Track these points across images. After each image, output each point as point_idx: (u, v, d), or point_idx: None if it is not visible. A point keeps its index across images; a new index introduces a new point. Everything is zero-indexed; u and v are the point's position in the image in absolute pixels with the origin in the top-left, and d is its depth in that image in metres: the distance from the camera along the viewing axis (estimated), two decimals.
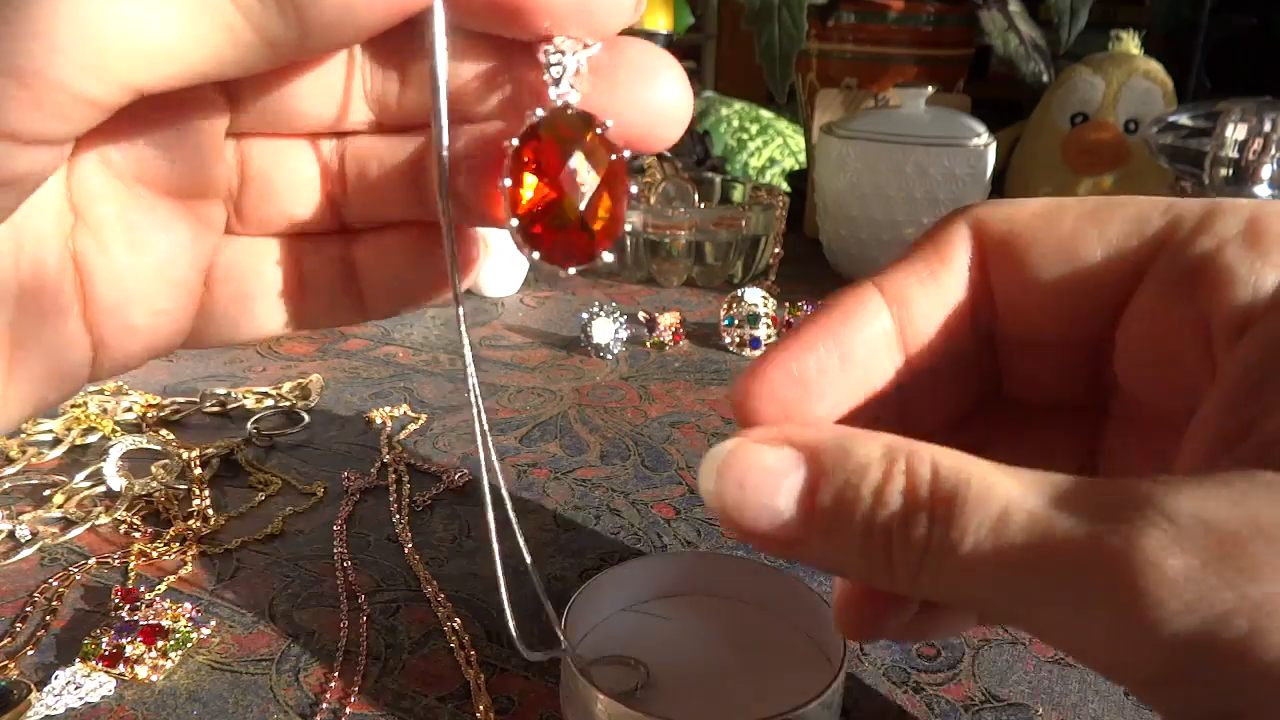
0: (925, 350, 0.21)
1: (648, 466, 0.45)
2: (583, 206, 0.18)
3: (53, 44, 0.14)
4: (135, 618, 0.31)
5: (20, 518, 0.38)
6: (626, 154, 0.18)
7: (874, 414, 0.20)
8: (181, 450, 0.44)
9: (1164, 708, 0.15)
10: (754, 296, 0.61)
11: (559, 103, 0.17)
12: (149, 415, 0.48)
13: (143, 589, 0.34)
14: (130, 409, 0.48)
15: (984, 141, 0.70)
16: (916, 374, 0.21)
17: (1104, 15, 0.91)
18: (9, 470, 0.42)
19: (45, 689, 0.29)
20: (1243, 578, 0.13)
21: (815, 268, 0.77)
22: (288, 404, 0.50)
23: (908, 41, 0.84)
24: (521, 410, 0.51)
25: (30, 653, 0.31)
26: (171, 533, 0.38)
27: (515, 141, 0.17)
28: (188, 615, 0.32)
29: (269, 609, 0.34)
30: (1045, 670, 0.31)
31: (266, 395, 0.50)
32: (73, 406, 0.47)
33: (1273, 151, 0.59)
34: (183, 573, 0.35)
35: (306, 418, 0.49)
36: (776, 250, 0.72)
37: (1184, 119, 0.66)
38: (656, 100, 0.18)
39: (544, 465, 0.45)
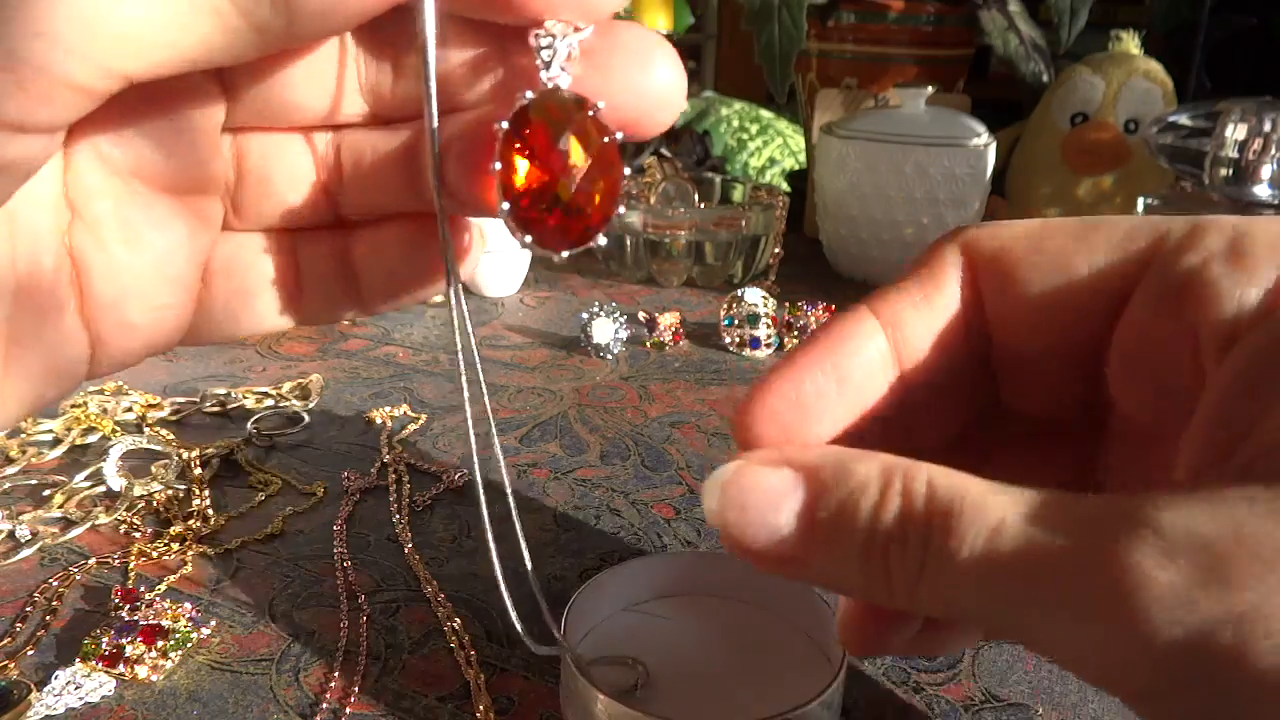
0: (921, 371, 0.21)
1: (648, 466, 0.45)
2: (574, 189, 0.17)
3: (37, 28, 0.14)
4: (135, 618, 0.31)
5: (20, 518, 0.38)
6: (619, 136, 0.18)
7: (872, 434, 0.21)
8: (181, 450, 0.44)
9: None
10: (754, 296, 0.61)
11: (550, 85, 0.17)
12: (149, 415, 0.48)
13: (143, 589, 0.34)
14: (130, 409, 0.48)
15: (984, 141, 0.70)
16: (913, 394, 0.21)
17: (1104, 15, 0.91)
18: (9, 470, 0.42)
19: (45, 689, 0.29)
20: (1227, 589, 0.14)
21: (815, 268, 0.77)
22: (288, 404, 0.50)
23: (908, 41, 0.84)
24: (521, 410, 0.51)
25: (30, 653, 0.31)
26: (171, 533, 0.38)
27: (505, 125, 0.17)
28: (188, 615, 0.32)
29: (269, 609, 0.34)
30: (1045, 670, 0.31)
31: (266, 395, 0.50)
32: (73, 406, 0.47)
33: (1273, 151, 0.59)
34: (183, 573, 0.35)
35: (306, 418, 0.49)
36: (776, 250, 0.72)
37: (1184, 119, 0.66)
38: (650, 83, 0.18)
39: (544, 465, 0.45)
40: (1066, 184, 0.81)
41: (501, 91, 0.18)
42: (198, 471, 0.42)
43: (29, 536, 0.37)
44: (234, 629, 0.33)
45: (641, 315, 0.62)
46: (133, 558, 0.36)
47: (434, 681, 0.30)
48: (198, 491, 0.41)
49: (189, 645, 0.31)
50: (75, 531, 0.38)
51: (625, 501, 0.42)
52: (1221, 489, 0.15)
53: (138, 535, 0.38)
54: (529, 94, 0.17)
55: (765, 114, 1.10)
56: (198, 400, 0.50)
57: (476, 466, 0.21)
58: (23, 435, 0.45)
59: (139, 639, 0.31)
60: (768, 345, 0.60)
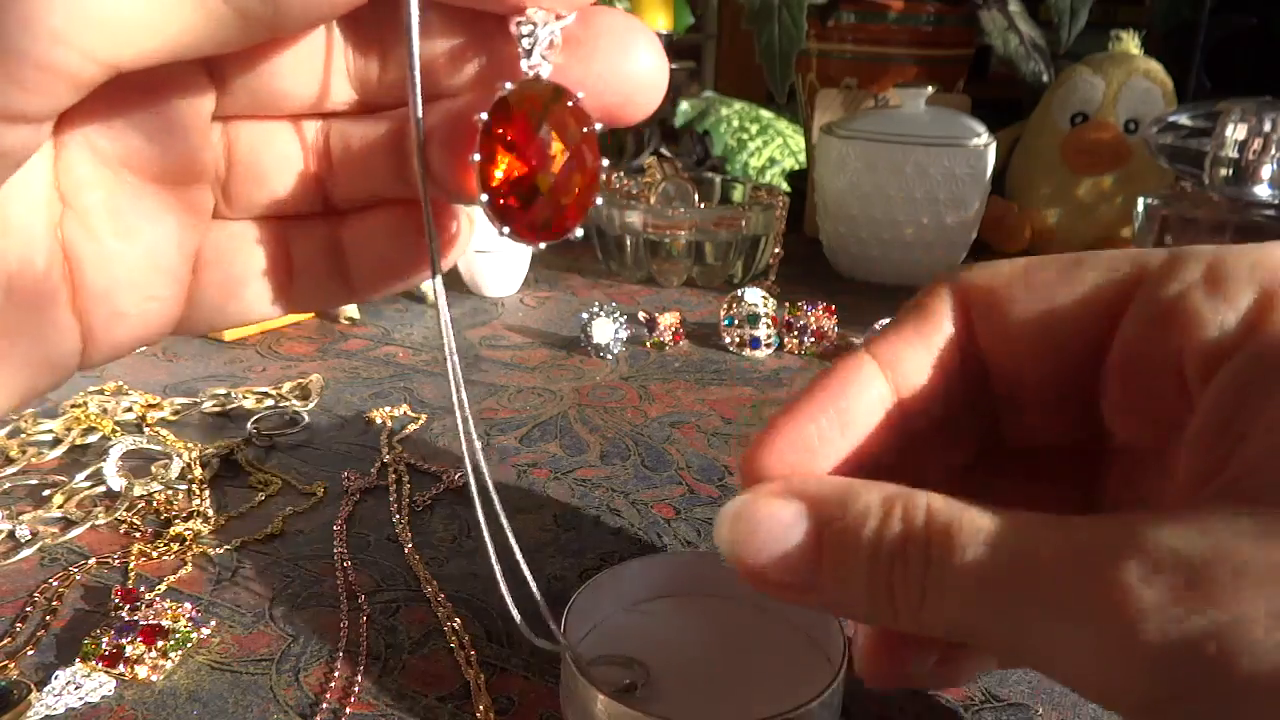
0: (921, 407, 0.22)
1: (648, 466, 0.45)
2: (553, 181, 0.17)
3: (21, 15, 0.14)
4: (135, 618, 0.31)
5: (20, 518, 0.38)
6: (599, 127, 0.18)
7: (876, 469, 0.22)
8: (181, 450, 0.44)
9: None
10: (754, 296, 0.61)
11: (530, 74, 0.17)
12: (149, 415, 0.48)
13: (143, 589, 0.34)
14: (130, 409, 0.48)
15: (984, 141, 0.70)
16: (915, 430, 0.22)
17: (1104, 15, 0.91)
18: (9, 470, 0.42)
19: (45, 689, 0.29)
20: (1211, 604, 0.15)
21: (815, 268, 0.77)
22: (288, 404, 0.50)
23: (908, 41, 0.84)
24: (521, 410, 0.51)
25: (30, 653, 0.31)
26: (171, 533, 0.38)
27: (485, 116, 0.17)
28: (188, 615, 0.32)
29: (269, 609, 0.34)
30: None
31: (266, 395, 0.50)
32: (73, 406, 0.47)
33: (1273, 151, 0.59)
34: (183, 573, 0.35)
35: (306, 418, 0.49)
36: (776, 250, 0.72)
37: (1184, 119, 0.66)
38: (632, 70, 0.18)
39: (544, 465, 0.45)
40: (1066, 184, 0.81)
41: (484, 79, 0.18)
42: (198, 471, 0.42)
43: (29, 536, 0.37)
44: (234, 629, 0.33)
45: (641, 315, 0.61)
46: (133, 558, 0.36)
47: (434, 681, 0.30)
48: (198, 491, 0.41)
49: (189, 645, 0.31)
50: (75, 531, 0.38)
51: (625, 501, 0.42)
52: (1204, 509, 0.16)
53: (138, 535, 0.38)
54: (508, 85, 0.17)
55: (765, 114, 1.10)
56: (198, 400, 0.50)
57: (469, 462, 0.21)
58: (23, 435, 0.45)
59: (139, 639, 0.31)
60: (768, 345, 0.60)
